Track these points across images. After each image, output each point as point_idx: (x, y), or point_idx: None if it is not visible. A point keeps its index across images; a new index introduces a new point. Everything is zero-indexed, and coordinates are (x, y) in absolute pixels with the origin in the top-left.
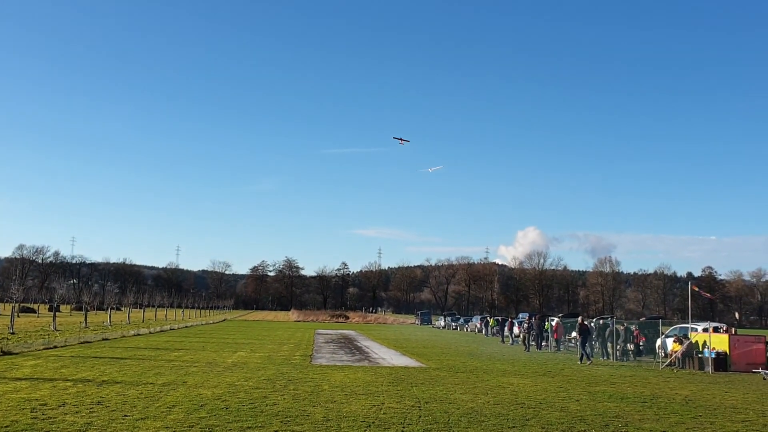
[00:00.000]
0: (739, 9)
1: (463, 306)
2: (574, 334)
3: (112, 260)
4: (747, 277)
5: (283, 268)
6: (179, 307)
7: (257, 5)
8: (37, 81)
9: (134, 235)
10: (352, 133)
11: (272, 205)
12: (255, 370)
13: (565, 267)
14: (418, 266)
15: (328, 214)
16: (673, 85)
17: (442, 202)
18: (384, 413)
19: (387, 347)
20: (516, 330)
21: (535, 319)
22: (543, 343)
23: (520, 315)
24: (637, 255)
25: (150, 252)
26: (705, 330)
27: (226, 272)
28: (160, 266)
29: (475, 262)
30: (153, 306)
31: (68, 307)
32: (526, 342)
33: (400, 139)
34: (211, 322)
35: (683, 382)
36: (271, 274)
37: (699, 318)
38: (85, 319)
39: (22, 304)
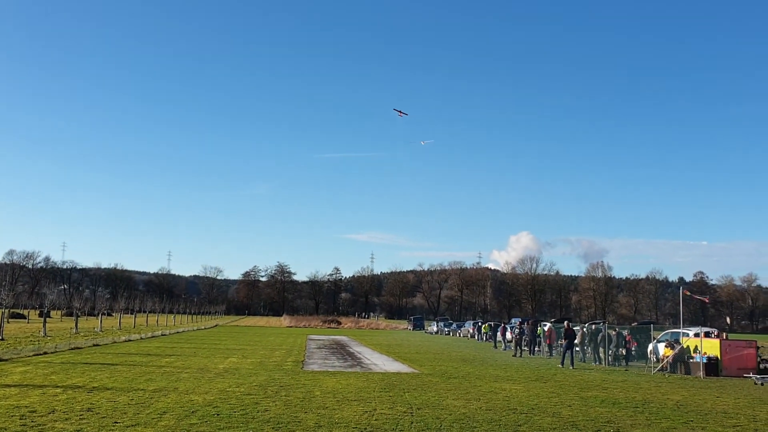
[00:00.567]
0: (731, 15)
1: (455, 311)
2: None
3: (104, 265)
4: (738, 282)
5: (275, 274)
6: (171, 312)
7: (250, 10)
8: (25, 85)
9: (125, 240)
10: (345, 137)
11: (264, 209)
12: (246, 376)
13: (558, 272)
14: (410, 271)
15: (320, 218)
16: (665, 91)
17: (435, 207)
18: (376, 419)
19: (379, 353)
20: (509, 335)
21: (527, 324)
22: (536, 349)
23: (513, 320)
24: (629, 260)
25: (141, 257)
26: (696, 335)
27: (218, 277)
28: (152, 271)
29: (468, 267)
30: (144, 311)
31: (59, 312)
32: (519, 347)
33: (399, 112)
34: (203, 327)
35: (675, 387)
36: (263, 279)
37: (690, 323)
38: (76, 325)
39: (11, 310)
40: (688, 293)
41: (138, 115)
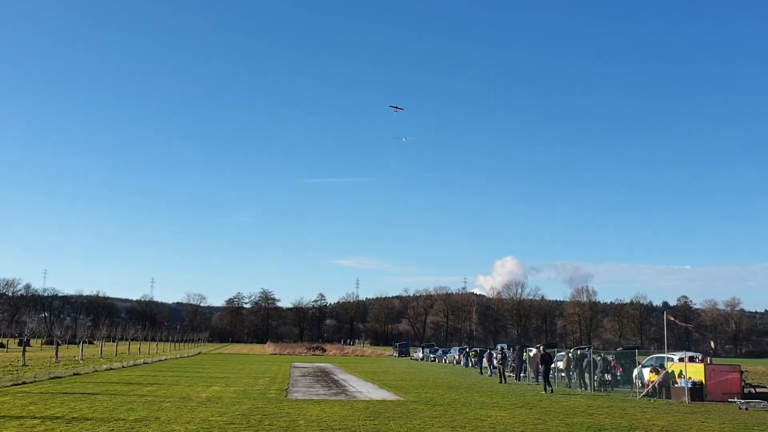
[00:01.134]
0: (724, 46)
1: (441, 337)
2: (560, 364)
3: (86, 293)
4: (721, 306)
5: (259, 300)
6: (153, 340)
7: (232, 36)
8: (8, 114)
9: (108, 267)
10: (329, 163)
11: (248, 236)
12: (229, 404)
13: (543, 297)
14: (396, 297)
15: (305, 244)
16: (648, 117)
17: (420, 232)
18: None
19: (364, 380)
20: (495, 361)
21: (514, 350)
22: (522, 375)
23: (498, 345)
24: (614, 285)
25: (124, 284)
26: (681, 360)
27: (201, 304)
28: (135, 298)
29: (454, 293)
30: (126, 339)
31: (39, 341)
32: (502, 373)
33: (395, 107)
34: (186, 355)
35: (660, 413)
36: (247, 306)
37: (675, 347)
38: (56, 354)
39: None
40: (672, 318)
41: (120, 142)
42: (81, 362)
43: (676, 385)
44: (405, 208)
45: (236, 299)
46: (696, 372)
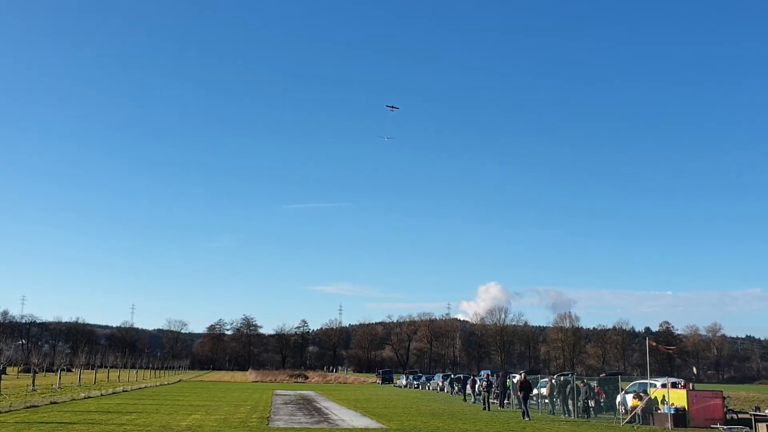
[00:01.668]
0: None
1: (425, 363)
2: (543, 390)
3: (64, 319)
4: (703, 332)
5: (240, 327)
6: (133, 367)
7: (213, 62)
8: None
9: (87, 294)
10: (311, 188)
11: (230, 262)
12: None
13: (526, 322)
14: (379, 323)
15: (287, 270)
16: (630, 144)
17: (403, 258)
18: None
19: (347, 408)
20: (478, 388)
21: (498, 376)
22: (506, 401)
23: (482, 372)
24: (596, 310)
25: (104, 310)
26: (663, 385)
27: (182, 331)
28: (114, 325)
29: (437, 318)
30: (106, 367)
31: (15, 369)
32: (485, 400)
33: (391, 107)
34: (166, 383)
35: None
36: (229, 332)
37: (657, 373)
38: (33, 382)
39: None
40: (654, 344)
41: (99, 168)
42: (59, 391)
43: (659, 411)
44: (388, 234)
45: (218, 326)
46: (679, 398)
